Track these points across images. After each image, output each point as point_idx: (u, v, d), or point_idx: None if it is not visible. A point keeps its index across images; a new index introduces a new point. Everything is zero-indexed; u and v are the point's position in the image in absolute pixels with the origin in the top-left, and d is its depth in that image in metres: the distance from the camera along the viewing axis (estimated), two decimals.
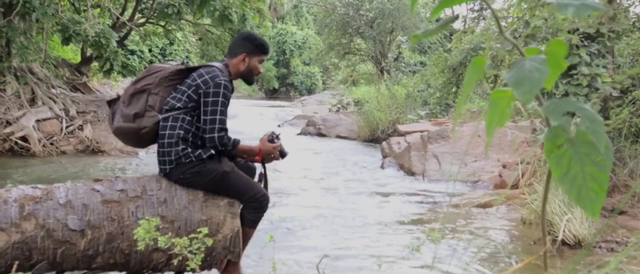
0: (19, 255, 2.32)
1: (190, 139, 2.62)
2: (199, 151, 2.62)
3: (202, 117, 2.59)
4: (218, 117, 2.59)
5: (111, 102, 2.81)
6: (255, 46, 2.79)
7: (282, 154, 2.87)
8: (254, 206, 2.70)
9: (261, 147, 2.80)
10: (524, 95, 0.58)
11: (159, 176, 2.68)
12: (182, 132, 2.60)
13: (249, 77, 2.83)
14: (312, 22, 35.81)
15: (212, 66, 2.68)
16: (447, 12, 17.21)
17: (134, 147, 2.87)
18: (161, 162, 2.65)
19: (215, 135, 2.58)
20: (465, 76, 0.67)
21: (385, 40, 17.57)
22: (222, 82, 2.60)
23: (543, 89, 0.62)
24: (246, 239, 2.74)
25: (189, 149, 2.60)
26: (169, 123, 2.62)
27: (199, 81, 2.61)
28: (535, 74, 0.59)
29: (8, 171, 6.19)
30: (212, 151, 2.65)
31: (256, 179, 2.90)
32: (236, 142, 2.68)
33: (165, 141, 2.62)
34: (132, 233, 2.34)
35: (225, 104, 2.63)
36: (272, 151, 2.81)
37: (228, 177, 2.65)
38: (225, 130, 2.62)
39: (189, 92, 2.61)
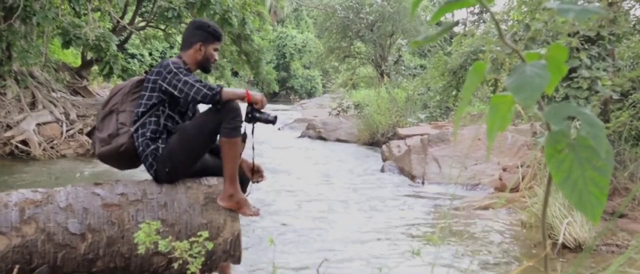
0: (20, 259, 2.32)
1: (158, 135, 2.66)
2: (162, 136, 2.66)
3: (179, 95, 2.60)
4: (186, 78, 2.58)
5: (90, 134, 2.85)
6: (209, 33, 2.78)
7: (268, 119, 2.72)
8: (224, 113, 2.58)
9: (247, 90, 2.74)
10: (525, 101, 0.58)
11: None
12: (148, 133, 2.63)
13: (206, 65, 2.82)
14: (312, 26, 35.81)
15: (164, 60, 2.71)
16: (447, 15, 17.21)
17: (128, 168, 2.87)
18: (147, 170, 2.69)
19: (197, 86, 2.55)
20: (465, 79, 0.67)
21: (385, 43, 17.57)
22: (169, 61, 2.64)
23: (543, 93, 0.62)
24: (237, 150, 2.62)
25: (158, 143, 2.64)
26: (139, 131, 2.65)
27: (153, 77, 2.64)
28: (536, 80, 0.59)
29: (8, 174, 6.19)
30: (170, 124, 2.69)
31: (241, 150, 2.71)
32: (220, 85, 2.65)
33: (140, 149, 2.65)
34: (132, 237, 2.33)
35: (183, 72, 2.60)
36: (258, 95, 2.69)
37: (188, 125, 2.69)
38: (201, 81, 2.60)
39: (148, 93, 2.65)
